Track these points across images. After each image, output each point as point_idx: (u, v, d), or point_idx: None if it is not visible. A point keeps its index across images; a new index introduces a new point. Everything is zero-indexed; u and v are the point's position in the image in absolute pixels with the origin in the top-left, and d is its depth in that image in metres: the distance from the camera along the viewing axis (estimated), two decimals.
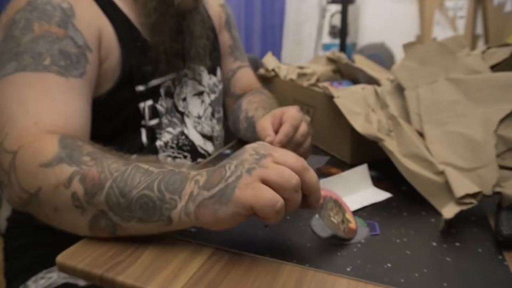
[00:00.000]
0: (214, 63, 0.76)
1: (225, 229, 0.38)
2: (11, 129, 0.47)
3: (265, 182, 0.36)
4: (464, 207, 0.44)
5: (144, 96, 0.62)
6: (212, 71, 0.76)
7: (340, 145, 0.66)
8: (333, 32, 2.01)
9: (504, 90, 0.50)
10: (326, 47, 2.04)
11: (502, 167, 0.47)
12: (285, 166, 0.36)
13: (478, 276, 0.37)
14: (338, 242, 0.42)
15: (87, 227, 0.42)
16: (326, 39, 2.04)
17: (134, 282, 0.36)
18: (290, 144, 0.54)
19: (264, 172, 0.36)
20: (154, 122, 0.63)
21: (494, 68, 0.56)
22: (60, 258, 0.40)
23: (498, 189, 0.46)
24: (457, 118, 0.52)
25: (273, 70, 0.88)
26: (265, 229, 0.45)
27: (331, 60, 0.93)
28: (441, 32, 1.82)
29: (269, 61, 0.91)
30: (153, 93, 0.63)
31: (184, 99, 0.69)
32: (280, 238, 0.43)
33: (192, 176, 0.40)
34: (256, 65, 1.50)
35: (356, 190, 0.53)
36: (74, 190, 0.41)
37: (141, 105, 0.62)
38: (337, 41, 1.82)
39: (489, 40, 1.76)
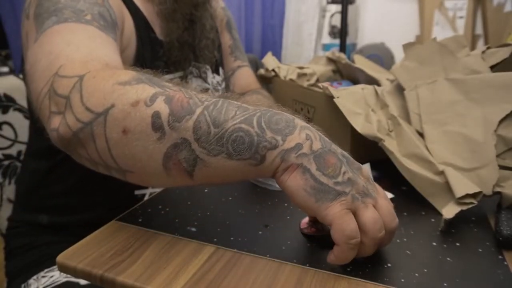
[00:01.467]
0: (217, 63, 0.78)
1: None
2: (68, 61, 0.41)
3: (356, 216, 0.35)
4: (464, 207, 0.44)
5: None
6: (215, 70, 0.77)
7: (340, 145, 0.65)
8: (333, 32, 2.01)
9: (504, 90, 0.50)
10: (326, 47, 2.04)
11: (502, 167, 0.47)
12: (382, 215, 0.36)
13: (478, 276, 0.37)
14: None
15: (161, 158, 0.36)
16: (326, 39, 2.05)
17: (135, 282, 0.36)
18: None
19: (363, 209, 0.35)
20: None
21: (494, 68, 0.56)
22: (60, 258, 0.40)
23: (498, 189, 0.46)
24: (457, 118, 0.52)
25: (273, 70, 0.88)
26: (265, 229, 0.45)
27: (331, 60, 0.93)
28: (441, 32, 1.82)
29: (269, 61, 0.91)
30: None
31: None
32: (280, 238, 0.43)
33: (301, 125, 0.36)
34: (256, 65, 1.51)
35: None
36: (158, 109, 0.35)
37: None
38: (337, 41, 1.83)
39: (488, 40, 1.76)
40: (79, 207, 0.67)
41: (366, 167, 0.55)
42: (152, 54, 0.63)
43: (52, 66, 0.41)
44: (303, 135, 0.36)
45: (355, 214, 0.35)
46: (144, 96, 0.36)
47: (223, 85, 0.80)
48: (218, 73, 0.78)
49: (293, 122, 0.36)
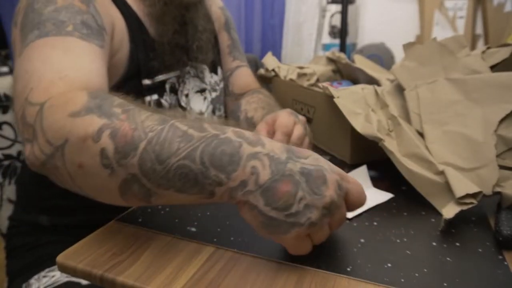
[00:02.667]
0: (215, 62, 0.77)
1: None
2: (36, 84, 0.44)
3: (311, 237, 0.37)
4: (464, 207, 0.44)
5: (150, 90, 0.63)
6: (213, 70, 0.77)
7: (340, 145, 0.66)
8: (333, 32, 2.01)
9: (504, 90, 0.50)
10: (326, 47, 2.04)
11: (502, 167, 0.47)
12: (331, 228, 0.38)
13: (478, 276, 0.37)
14: None
15: (118, 192, 0.37)
16: (326, 39, 2.04)
17: (135, 282, 0.36)
18: None
19: (315, 231, 0.36)
20: None
21: (494, 68, 0.56)
22: (60, 258, 0.40)
23: (498, 189, 0.46)
24: (457, 118, 0.52)
25: (273, 70, 0.88)
26: None
27: (331, 60, 0.93)
28: (441, 32, 1.82)
29: (269, 61, 0.91)
30: (159, 88, 0.65)
31: (187, 95, 0.70)
32: None
33: (247, 154, 0.35)
34: (256, 65, 1.51)
35: None
36: (104, 145, 0.36)
37: (147, 98, 0.63)
38: (337, 41, 1.83)
39: (489, 40, 1.76)
40: (79, 208, 0.67)
41: (363, 170, 0.55)
42: (146, 54, 0.63)
43: (25, 88, 0.44)
44: (248, 169, 0.34)
45: (309, 235, 0.36)
46: (91, 131, 0.37)
47: (222, 84, 0.80)
48: (216, 73, 0.78)
49: (238, 154, 0.35)
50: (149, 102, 0.63)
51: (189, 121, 0.37)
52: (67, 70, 0.46)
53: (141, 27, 0.64)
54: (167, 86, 0.66)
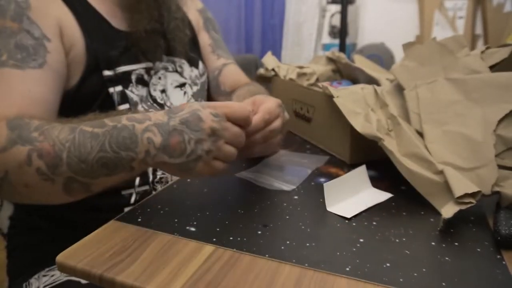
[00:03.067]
0: (195, 57, 0.78)
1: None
2: None
3: (217, 158, 0.45)
4: (463, 207, 0.44)
5: (112, 81, 0.63)
6: (194, 64, 0.77)
7: (339, 144, 0.66)
8: (333, 32, 2.01)
9: (503, 90, 0.50)
10: (326, 47, 2.04)
11: (501, 167, 0.47)
12: (232, 144, 0.45)
13: (476, 275, 0.37)
14: None
15: (63, 193, 0.46)
16: (326, 39, 2.04)
17: (134, 281, 0.36)
18: (257, 135, 0.52)
19: (217, 155, 0.44)
20: (123, 107, 0.64)
21: (494, 68, 0.56)
22: (60, 257, 0.40)
23: (497, 189, 0.46)
24: (457, 117, 0.52)
25: (272, 69, 0.88)
26: (265, 228, 0.45)
27: (330, 60, 0.93)
28: (440, 32, 1.82)
29: (269, 60, 0.91)
30: (122, 79, 0.64)
31: (163, 91, 0.70)
32: (279, 238, 0.43)
33: (139, 131, 0.44)
34: (256, 65, 1.51)
35: (357, 192, 0.53)
36: (37, 166, 0.44)
37: (111, 90, 0.63)
38: (337, 41, 1.82)
39: (488, 40, 1.76)
40: (79, 209, 0.67)
41: (362, 170, 0.55)
42: (106, 46, 0.63)
43: None
44: (145, 141, 0.43)
45: (216, 158, 0.44)
46: (22, 159, 0.44)
47: (203, 78, 0.79)
48: (196, 67, 0.78)
49: (134, 134, 0.44)
50: (113, 94, 0.63)
51: (92, 122, 0.46)
52: None
53: (99, 21, 0.64)
54: (133, 78, 0.65)
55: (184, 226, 0.45)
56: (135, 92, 0.65)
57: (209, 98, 0.86)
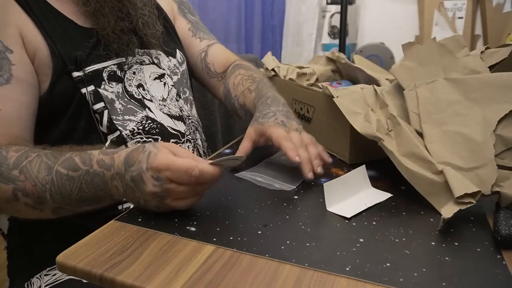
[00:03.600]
0: (171, 46, 0.76)
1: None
2: None
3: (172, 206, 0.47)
4: (463, 207, 0.44)
5: (83, 82, 0.62)
6: (170, 54, 0.76)
7: (339, 144, 0.66)
8: (332, 33, 2.01)
9: (503, 90, 0.50)
10: (326, 47, 2.04)
11: (500, 167, 0.47)
12: (182, 198, 0.46)
13: (476, 275, 0.37)
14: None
15: (52, 215, 0.52)
16: (326, 39, 2.04)
17: (134, 281, 0.36)
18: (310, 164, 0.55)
19: (168, 207, 0.46)
20: (98, 106, 0.63)
21: (493, 68, 0.56)
22: (60, 257, 0.40)
23: (496, 189, 0.46)
24: (456, 117, 0.52)
25: (272, 69, 0.88)
26: (265, 228, 0.45)
27: (330, 60, 0.93)
28: (440, 32, 1.82)
29: (269, 61, 0.91)
30: (93, 78, 0.63)
31: (140, 86, 0.69)
32: (279, 238, 0.43)
33: (108, 178, 0.48)
34: (256, 65, 1.51)
35: (357, 192, 0.53)
36: (24, 202, 0.50)
37: (83, 91, 0.62)
38: (337, 41, 1.82)
39: (488, 40, 1.76)
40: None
41: (362, 170, 0.55)
42: (72, 46, 0.62)
43: None
44: (113, 189, 0.48)
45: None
46: (8, 196, 0.50)
47: (183, 67, 0.78)
48: (174, 56, 0.77)
49: (105, 181, 0.48)
50: (85, 94, 0.62)
51: (65, 163, 0.49)
52: None
53: (60, 21, 0.63)
54: (105, 75, 0.64)
55: (184, 226, 0.45)
56: (109, 89, 0.64)
57: (201, 81, 0.85)
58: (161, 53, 0.74)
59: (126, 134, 0.64)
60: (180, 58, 0.78)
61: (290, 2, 2.09)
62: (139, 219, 0.47)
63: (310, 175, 0.54)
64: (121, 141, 0.64)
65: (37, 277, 0.62)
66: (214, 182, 0.47)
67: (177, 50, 0.78)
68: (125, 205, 0.65)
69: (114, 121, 0.64)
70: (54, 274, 0.61)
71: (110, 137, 0.63)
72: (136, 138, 0.65)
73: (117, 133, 0.64)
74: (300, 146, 0.56)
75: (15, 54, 0.57)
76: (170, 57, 0.76)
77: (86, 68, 0.62)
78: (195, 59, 0.82)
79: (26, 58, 0.59)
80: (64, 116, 0.62)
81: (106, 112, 0.63)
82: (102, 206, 0.52)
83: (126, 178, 0.46)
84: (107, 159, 0.48)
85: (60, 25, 0.63)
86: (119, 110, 0.64)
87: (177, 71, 0.76)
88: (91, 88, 0.62)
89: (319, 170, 0.55)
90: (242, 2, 2.05)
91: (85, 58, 0.62)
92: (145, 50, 0.71)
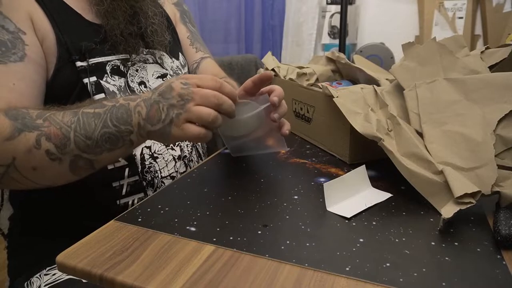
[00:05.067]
0: (175, 48, 0.79)
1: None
2: None
3: (190, 121, 0.48)
4: (463, 207, 0.44)
5: (86, 72, 0.64)
6: (174, 56, 0.79)
7: (339, 144, 0.66)
8: (332, 33, 2.01)
9: (503, 90, 0.50)
10: (326, 47, 2.04)
11: (500, 167, 0.47)
12: (205, 105, 0.48)
13: (476, 275, 0.37)
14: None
15: (69, 171, 0.51)
16: (326, 39, 2.04)
17: (134, 281, 0.36)
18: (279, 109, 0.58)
19: (188, 116, 0.48)
20: (99, 97, 0.64)
21: (493, 68, 0.56)
22: (60, 257, 0.40)
23: (496, 189, 0.46)
24: (456, 117, 0.52)
25: (272, 69, 0.88)
26: (265, 228, 0.45)
27: (330, 60, 0.93)
28: (440, 32, 1.82)
29: (269, 61, 0.91)
30: (96, 70, 0.65)
31: (142, 83, 0.70)
32: (279, 238, 0.43)
33: (133, 107, 0.50)
34: (256, 65, 1.51)
35: (357, 192, 0.53)
36: (46, 148, 0.49)
37: (85, 80, 0.63)
38: (336, 41, 1.82)
39: (488, 40, 1.76)
40: (80, 208, 0.67)
41: (362, 170, 0.55)
42: (78, 37, 0.64)
43: None
44: (136, 115, 0.49)
45: (188, 121, 0.48)
46: (31, 143, 0.48)
47: (185, 70, 0.81)
48: (177, 58, 0.80)
49: (129, 109, 0.50)
50: (87, 84, 0.63)
51: (92, 105, 0.51)
52: None
53: (70, 15, 0.65)
54: (108, 68, 0.66)
55: (184, 226, 0.45)
56: (111, 82, 0.66)
57: None
58: (164, 54, 0.76)
59: None
60: (183, 61, 0.81)
61: (290, 2, 2.09)
62: (139, 219, 0.47)
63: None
64: None
65: (37, 277, 0.62)
66: (231, 104, 0.50)
67: (180, 54, 0.81)
68: (123, 200, 0.66)
69: None
70: (54, 274, 0.61)
71: None
72: None
73: None
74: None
75: (27, 36, 0.59)
76: (173, 59, 0.78)
77: (90, 60, 0.64)
78: (188, 67, 0.85)
79: (37, 42, 0.60)
80: (65, 105, 0.63)
81: None
82: (118, 157, 0.53)
83: (153, 97, 0.49)
84: (134, 95, 0.52)
85: (68, 17, 0.65)
86: None
87: (180, 72, 0.78)
88: (93, 79, 0.64)
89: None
90: (242, 2, 2.05)
91: (90, 50, 0.64)
92: (149, 50, 0.73)
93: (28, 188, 0.52)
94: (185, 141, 0.49)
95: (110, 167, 0.65)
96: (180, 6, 0.88)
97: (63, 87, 0.62)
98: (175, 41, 0.81)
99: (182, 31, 0.85)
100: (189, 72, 0.85)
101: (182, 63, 0.81)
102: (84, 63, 0.63)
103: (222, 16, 2.02)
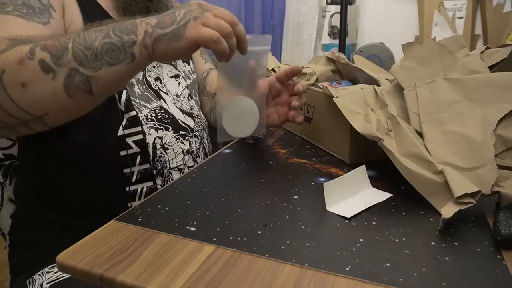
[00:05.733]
0: (187, 56, 0.84)
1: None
2: None
3: (206, 26, 0.46)
4: (463, 207, 0.44)
5: None
6: (186, 61, 0.84)
7: (339, 144, 0.66)
8: (332, 33, 2.01)
9: (503, 90, 0.50)
10: (326, 47, 2.04)
11: (500, 167, 0.47)
12: (222, 18, 0.47)
13: (476, 275, 0.37)
14: None
15: (63, 90, 0.45)
16: (326, 39, 2.04)
17: (134, 281, 0.36)
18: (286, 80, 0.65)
19: (206, 20, 0.46)
20: None
21: (493, 68, 0.56)
22: (60, 257, 0.40)
23: (496, 189, 0.46)
24: (456, 117, 0.52)
25: (272, 69, 0.88)
26: (265, 228, 0.45)
27: (330, 60, 0.93)
28: (440, 32, 1.82)
29: (269, 61, 0.91)
30: None
31: (157, 79, 0.75)
32: (279, 238, 0.43)
33: (140, 20, 0.48)
34: None
35: (357, 192, 0.53)
36: (40, 57, 0.44)
37: None
38: (336, 41, 1.82)
39: (488, 40, 1.76)
40: (81, 208, 0.67)
41: (362, 170, 0.55)
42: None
43: None
44: (143, 25, 0.47)
45: (205, 25, 0.46)
46: (24, 53, 0.44)
47: (195, 75, 0.86)
48: (188, 64, 0.84)
49: (135, 22, 0.48)
50: None
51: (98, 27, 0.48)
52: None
53: (97, 9, 0.68)
54: None
55: (184, 226, 0.45)
56: None
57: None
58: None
59: (141, 117, 0.68)
60: (192, 68, 0.86)
61: (290, 2, 2.09)
62: (139, 219, 0.47)
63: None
64: (137, 122, 0.67)
65: (39, 274, 0.62)
66: (243, 31, 0.50)
67: (190, 61, 0.86)
68: (132, 187, 0.67)
69: (132, 102, 0.68)
70: (56, 272, 0.61)
71: (126, 116, 0.67)
72: (150, 124, 0.69)
73: (134, 113, 0.67)
74: None
75: (56, 14, 0.61)
76: (185, 63, 0.83)
77: None
78: (198, 76, 0.89)
79: (62, 23, 0.62)
80: None
81: (125, 91, 0.67)
82: (119, 77, 0.47)
83: (165, 12, 0.48)
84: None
85: (95, 9, 0.68)
86: (137, 93, 0.69)
87: (190, 76, 0.83)
88: None
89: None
90: (242, 2, 2.05)
91: None
92: None
93: (6, 133, 0.50)
94: (194, 46, 0.47)
95: (123, 153, 0.66)
96: None
97: None
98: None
99: None
100: (198, 82, 0.89)
101: (192, 69, 0.85)
102: None
103: None
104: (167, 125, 0.71)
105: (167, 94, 0.74)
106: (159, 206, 0.50)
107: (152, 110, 0.70)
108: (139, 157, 0.67)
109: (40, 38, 0.47)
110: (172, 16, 0.47)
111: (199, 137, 0.77)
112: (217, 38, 0.46)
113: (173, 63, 0.79)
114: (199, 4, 0.48)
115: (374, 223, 0.46)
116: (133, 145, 0.67)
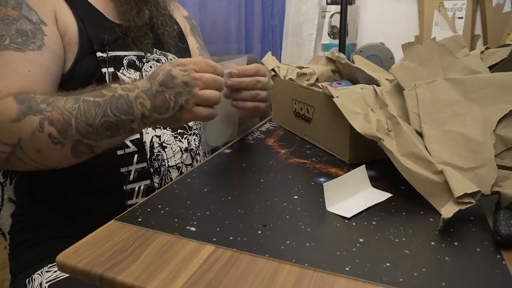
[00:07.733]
0: (184, 55, 0.84)
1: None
2: None
3: (198, 104, 0.53)
4: (463, 207, 0.44)
5: (105, 63, 0.68)
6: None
7: (339, 144, 0.66)
8: (332, 33, 2.01)
9: (503, 90, 0.50)
10: (326, 47, 2.04)
11: (500, 167, 0.47)
12: (209, 88, 0.53)
13: (476, 275, 0.37)
14: None
15: (70, 155, 0.54)
16: (326, 39, 2.04)
17: (134, 281, 0.36)
18: (247, 80, 0.63)
19: (196, 101, 0.53)
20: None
21: (493, 68, 0.56)
22: (60, 257, 0.40)
23: (496, 189, 0.46)
24: (456, 117, 0.52)
25: (272, 69, 0.88)
26: (264, 228, 0.45)
27: (330, 60, 0.93)
28: (440, 32, 1.82)
29: (269, 61, 0.91)
30: (114, 62, 0.69)
31: None
32: (279, 238, 0.43)
33: (133, 98, 0.53)
34: None
35: (357, 192, 0.53)
36: (49, 132, 0.51)
37: (104, 70, 0.67)
38: (336, 41, 1.82)
39: (487, 40, 1.76)
40: (82, 207, 0.67)
41: (361, 170, 0.55)
42: (99, 31, 0.69)
43: None
44: (139, 106, 0.53)
45: (197, 104, 0.53)
46: (35, 126, 0.51)
47: None
48: None
49: (129, 100, 0.53)
50: (105, 74, 0.68)
51: (92, 93, 0.53)
52: (5, 81, 0.56)
53: (92, 11, 0.70)
54: (125, 62, 0.71)
55: (184, 226, 0.45)
56: (126, 75, 0.70)
57: None
58: (175, 57, 0.81)
59: None
60: None
61: (290, 2, 2.09)
62: (139, 219, 0.47)
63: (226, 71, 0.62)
64: None
65: (38, 274, 0.62)
66: (222, 82, 0.55)
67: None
68: (129, 186, 0.67)
69: None
70: (56, 271, 0.61)
71: None
72: None
73: None
74: None
75: (48, 27, 0.63)
76: None
77: (109, 52, 0.69)
78: None
79: (57, 33, 0.65)
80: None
81: None
82: (118, 143, 0.56)
83: (153, 88, 0.53)
84: (130, 85, 0.54)
85: (90, 12, 0.70)
86: None
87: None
88: (111, 69, 0.68)
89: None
90: (242, 2, 2.05)
91: (110, 43, 0.69)
92: (162, 52, 0.78)
93: (34, 169, 0.55)
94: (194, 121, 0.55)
95: (120, 152, 0.67)
96: (190, 20, 0.95)
97: (83, 75, 0.66)
98: (185, 49, 0.86)
99: (192, 42, 0.91)
100: None
101: None
102: (104, 54, 0.68)
103: (222, 16, 2.01)
104: None
105: (150, 74, 0.76)
106: (159, 206, 0.50)
107: None
108: (136, 155, 0.68)
109: (42, 100, 0.53)
110: (165, 102, 0.52)
111: (198, 135, 0.78)
112: (210, 115, 0.54)
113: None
114: (184, 83, 0.52)
115: (374, 223, 0.46)
116: (130, 144, 0.67)
